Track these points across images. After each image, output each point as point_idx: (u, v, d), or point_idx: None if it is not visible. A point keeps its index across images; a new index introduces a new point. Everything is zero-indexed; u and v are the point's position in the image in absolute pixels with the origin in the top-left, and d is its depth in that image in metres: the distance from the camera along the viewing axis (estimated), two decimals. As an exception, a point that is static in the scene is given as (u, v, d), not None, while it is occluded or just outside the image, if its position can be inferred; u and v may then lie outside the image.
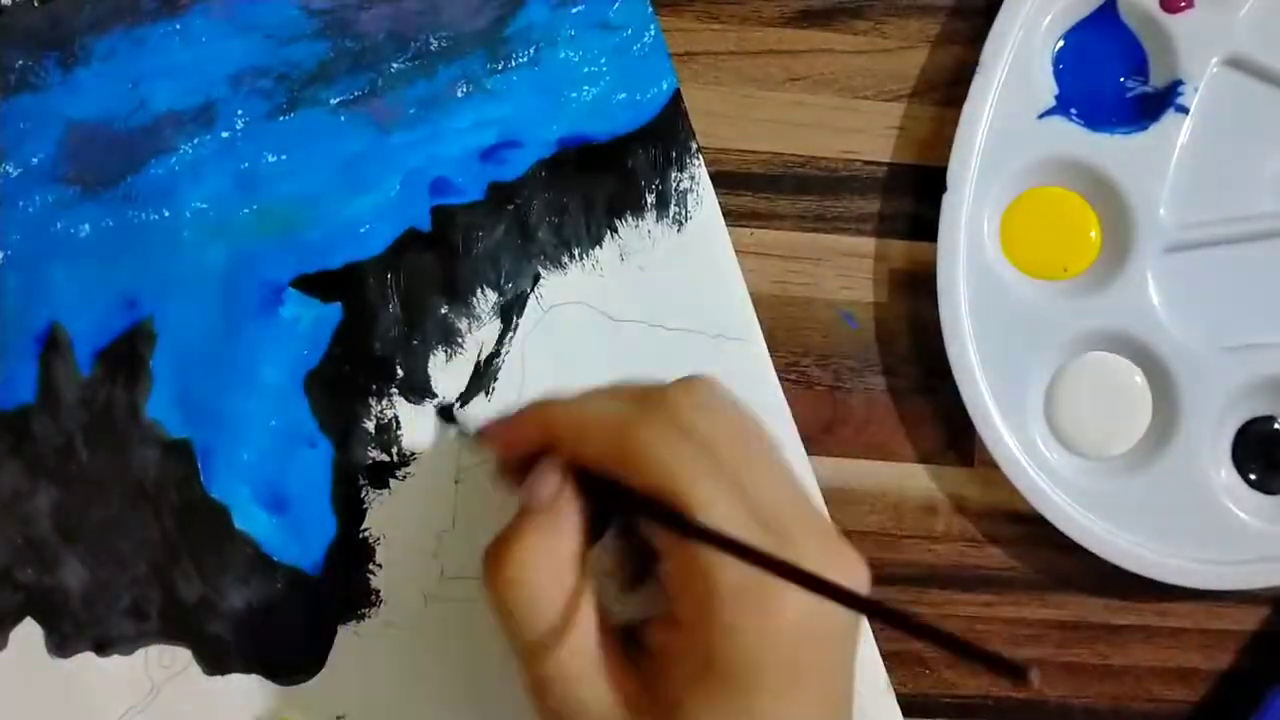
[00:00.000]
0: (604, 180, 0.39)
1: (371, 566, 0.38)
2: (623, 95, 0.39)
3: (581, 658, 0.29)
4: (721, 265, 0.39)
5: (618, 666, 0.29)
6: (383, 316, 0.38)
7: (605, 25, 0.39)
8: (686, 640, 0.28)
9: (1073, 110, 0.39)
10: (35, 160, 0.38)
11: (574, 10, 0.39)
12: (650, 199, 0.39)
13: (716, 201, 0.39)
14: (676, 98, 0.39)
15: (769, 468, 0.30)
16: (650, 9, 0.39)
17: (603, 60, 0.39)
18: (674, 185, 0.39)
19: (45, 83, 0.38)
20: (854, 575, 0.28)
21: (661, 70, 0.39)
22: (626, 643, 0.30)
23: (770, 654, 0.27)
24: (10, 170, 0.38)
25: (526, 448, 0.31)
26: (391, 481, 0.38)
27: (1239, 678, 0.40)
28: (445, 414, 0.38)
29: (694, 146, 0.39)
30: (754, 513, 0.28)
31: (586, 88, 0.39)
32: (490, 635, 0.38)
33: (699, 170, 0.39)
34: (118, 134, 0.38)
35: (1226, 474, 0.39)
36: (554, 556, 0.29)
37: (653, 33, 0.39)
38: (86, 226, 0.38)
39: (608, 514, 0.31)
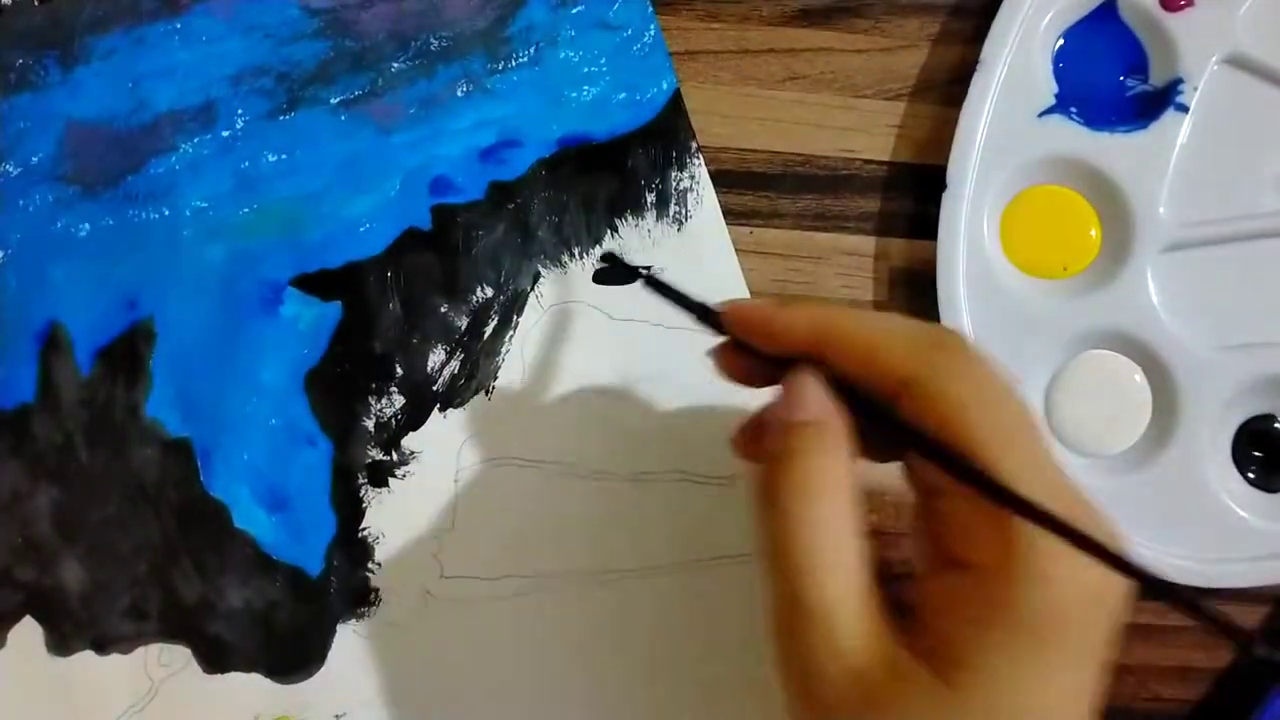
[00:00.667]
0: (604, 180, 0.39)
1: (371, 565, 0.38)
2: (623, 95, 0.39)
3: (853, 591, 0.26)
4: (722, 264, 0.39)
5: (882, 616, 0.26)
6: (383, 316, 0.38)
7: (605, 25, 0.39)
8: (982, 588, 0.25)
9: (1073, 109, 0.39)
10: (35, 159, 0.38)
11: (574, 10, 0.39)
12: (650, 198, 0.39)
13: (717, 201, 0.39)
14: (676, 97, 0.39)
15: (1044, 446, 0.27)
16: (650, 9, 0.39)
17: (603, 60, 0.39)
18: (674, 184, 0.39)
19: (45, 82, 0.38)
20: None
21: (661, 70, 0.39)
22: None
23: (1078, 611, 0.25)
24: (10, 169, 0.38)
25: (786, 346, 0.28)
26: (391, 481, 0.38)
27: (1239, 677, 0.40)
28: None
29: (694, 146, 0.39)
30: (1047, 480, 0.26)
31: (587, 87, 0.39)
32: (490, 633, 0.38)
33: (699, 169, 0.39)
34: (118, 133, 0.38)
35: (1226, 472, 0.39)
36: (838, 476, 0.27)
37: (653, 33, 0.39)
38: (86, 226, 0.38)
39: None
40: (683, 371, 0.39)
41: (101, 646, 0.38)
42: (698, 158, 0.39)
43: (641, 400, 0.39)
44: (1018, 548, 0.25)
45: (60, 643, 0.38)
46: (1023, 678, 0.25)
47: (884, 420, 0.27)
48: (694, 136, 0.39)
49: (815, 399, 0.28)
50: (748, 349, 0.29)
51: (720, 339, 0.30)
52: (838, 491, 0.27)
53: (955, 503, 0.27)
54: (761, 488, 0.27)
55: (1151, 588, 0.25)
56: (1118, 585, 0.26)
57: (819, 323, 0.28)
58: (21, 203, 0.38)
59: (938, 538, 0.27)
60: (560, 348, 0.39)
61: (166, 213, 0.38)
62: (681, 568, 0.39)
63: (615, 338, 0.39)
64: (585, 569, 0.38)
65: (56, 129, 0.38)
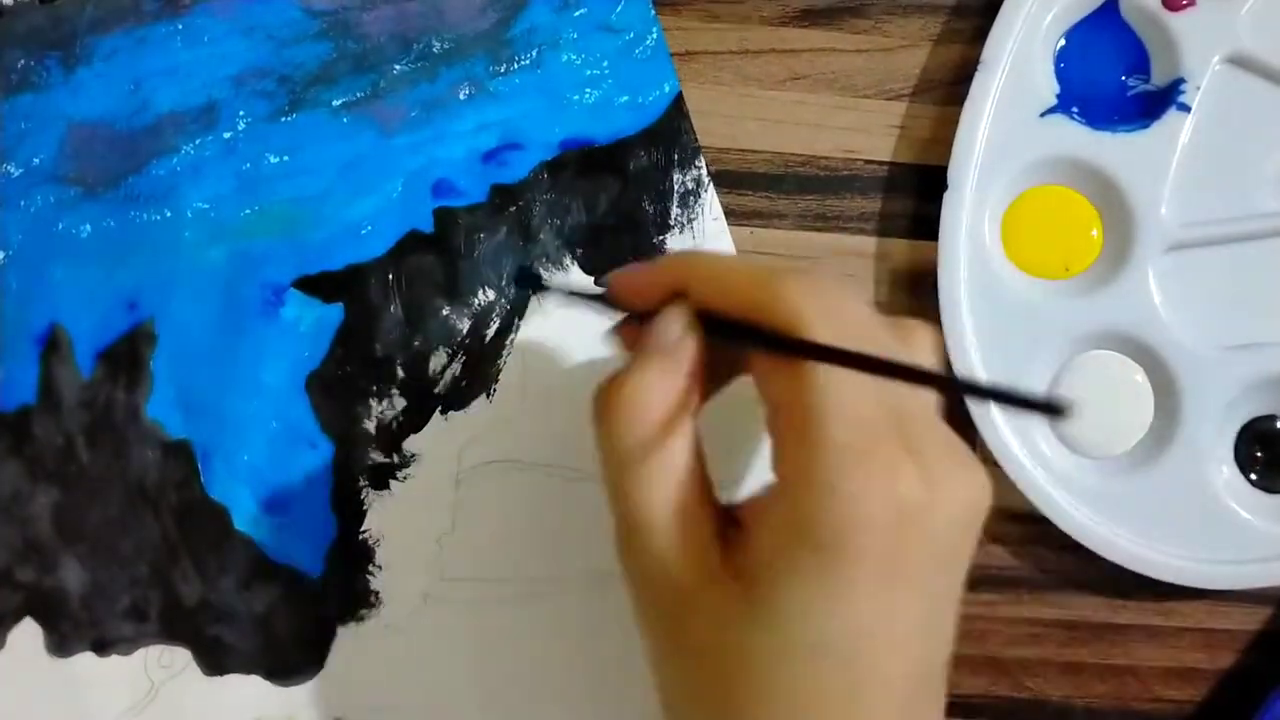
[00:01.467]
0: (606, 183, 0.39)
1: (371, 568, 0.38)
2: (625, 98, 0.39)
3: (679, 508, 0.27)
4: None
5: (705, 526, 0.27)
6: (384, 318, 0.38)
7: (607, 28, 0.39)
8: (783, 502, 0.26)
9: (1074, 109, 0.39)
10: (37, 160, 0.38)
11: (576, 13, 0.39)
12: (652, 201, 0.39)
13: (719, 204, 0.39)
14: (678, 100, 0.39)
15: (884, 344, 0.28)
16: (653, 12, 0.39)
17: (605, 63, 0.39)
18: (676, 188, 0.39)
19: (47, 83, 0.38)
20: (979, 486, 0.26)
21: (664, 73, 0.39)
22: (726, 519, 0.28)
23: (874, 527, 0.24)
24: (12, 170, 0.38)
25: (658, 295, 0.29)
26: (392, 483, 0.38)
27: (1241, 677, 0.40)
28: (528, 279, 0.38)
29: (696, 149, 0.39)
30: (880, 397, 0.26)
31: (589, 90, 0.39)
32: (491, 636, 0.38)
33: (701, 173, 0.39)
34: (119, 134, 0.38)
35: (1228, 473, 0.39)
36: (667, 396, 0.27)
37: (655, 36, 0.39)
38: (88, 227, 0.38)
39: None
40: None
41: (101, 648, 0.38)
42: (700, 161, 0.39)
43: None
44: (811, 458, 0.25)
45: (60, 644, 0.38)
46: (812, 596, 0.25)
47: (728, 327, 0.28)
48: (696, 140, 0.39)
49: (667, 328, 0.28)
50: (637, 315, 0.31)
51: (617, 318, 0.32)
52: (666, 410, 0.27)
53: (778, 419, 0.27)
54: (597, 406, 0.28)
55: (949, 387, 0.26)
56: (934, 507, 0.25)
57: (680, 268, 0.29)
58: (23, 204, 0.38)
59: (772, 454, 0.28)
60: (562, 350, 0.39)
61: (168, 214, 0.38)
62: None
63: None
64: (586, 572, 0.38)
65: (58, 130, 0.38)
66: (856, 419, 0.25)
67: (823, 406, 0.25)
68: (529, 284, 0.38)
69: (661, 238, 0.39)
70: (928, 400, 0.28)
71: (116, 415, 0.38)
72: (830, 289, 0.27)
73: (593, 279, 0.39)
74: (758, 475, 0.38)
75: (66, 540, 0.38)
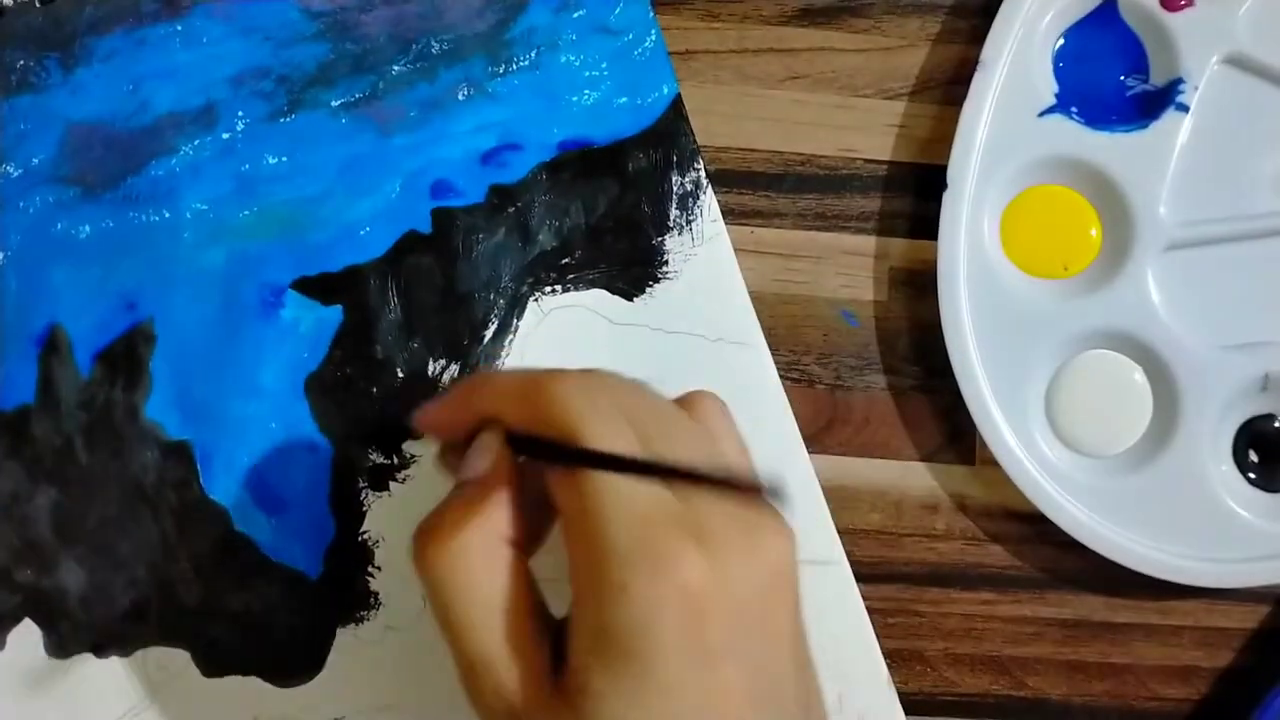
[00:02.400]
0: (605, 184, 0.39)
1: (371, 569, 0.38)
2: (624, 99, 0.39)
3: (508, 641, 0.27)
4: (723, 269, 0.39)
5: (540, 654, 0.27)
6: (383, 319, 0.38)
7: (606, 30, 0.39)
8: (583, 611, 0.26)
9: (1073, 108, 0.39)
10: (36, 161, 0.38)
11: (575, 14, 0.39)
12: (650, 200, 0.39)
13: (717, 205, 0.39)
14: (677, 102, 0.39)
15: (686, 436, 0.28)
16: (651, 14, 0.40)
17: (604, 64, 0.39)
18: (675, 189, 0.39)
19: (46, 83, 0.38)
20: (777, 537, 0.27)
21: (662, 75, 0.39)
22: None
23: (669, 619, 0.25)
24: (11, 171, 0.38)
25: (465, 423, 0.30)
26: (391, 484, 0.38)
27: (1240, 676, 0.40)
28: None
29: (695, 151, 0.39)
30: (663, 449, 0.27)
31: (587, 91, 0.39)
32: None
33: (700, 175, 0.39)
34: (118, 135, 0.38)
35: (1227, 472, 0.39)
36: (484, 532, 0.28)
37: (654, 37, 0.39)
38: (87, 227, 0.38)
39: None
40: (682, 377, 0.39)
41: (100, 649, 0.38)
42: (699, 163, 0.39)
43: (641, 404, 0.39)
44: (599, 562, 0.25)
45: (59, 645, 0.37)
46: (628, 694, 0.25)
47: (525, 444, 0.29)
48: (695, 141, 0.39)
49: (477, 458, 0.29)
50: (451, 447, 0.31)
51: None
52: (483, 546, 0.28)
53: (567, 528, 0.27)
54: (417, 549, 0.28)
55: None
56: (722, 581, 0.25)
57: (467, 392, 0.30)
58: (21, 204, 0.38)
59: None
60: (560, 352, 0.39)
61: (167, 215, 0.38)
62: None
63: (615, 342, 0.39)
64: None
65: (57, 130, 0.38)
66: (634, 518, 0.25)
67: (601, 512, 0.26)
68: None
69: (660, 239, 0.39)
70: (710, 458, 0.28)
71: (115, 416, 0.38)
72: (596, 383, 0.28)
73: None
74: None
75: (65, 541, 0.38)
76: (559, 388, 0.27)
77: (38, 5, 0.38)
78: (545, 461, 0.28)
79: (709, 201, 0.39)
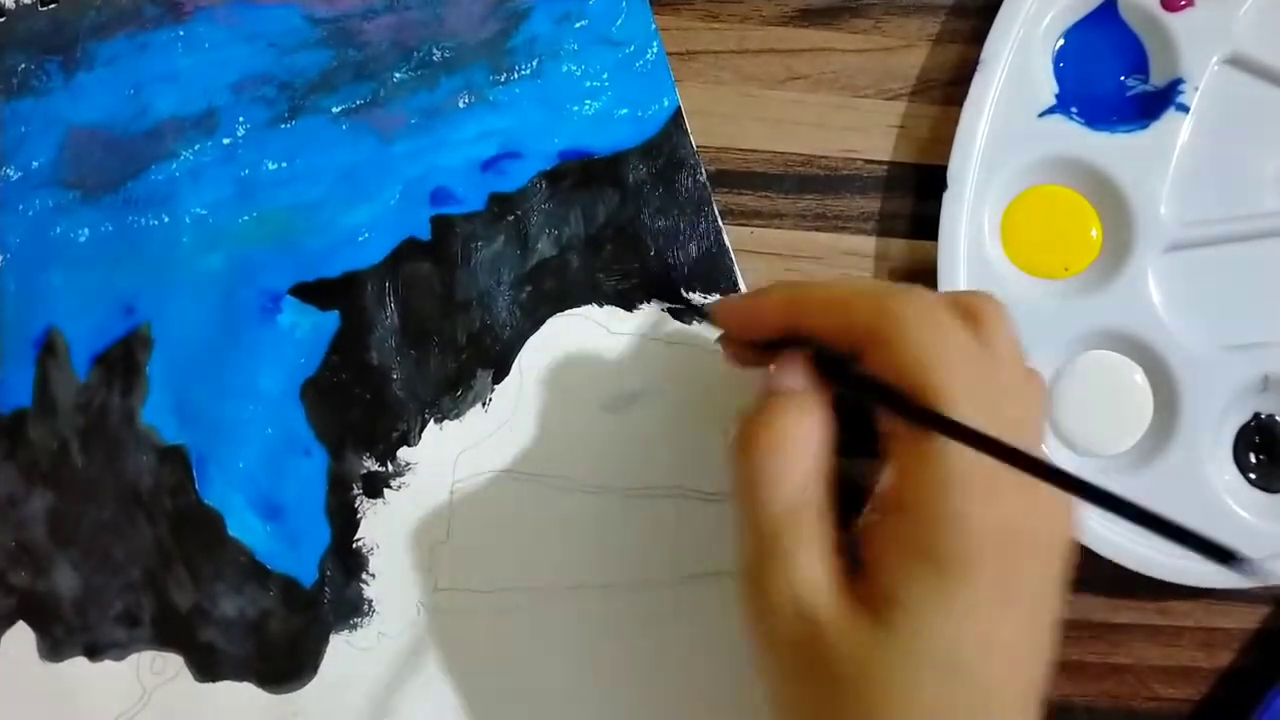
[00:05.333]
0: (604, 194, 0.39)
1: (365, 576, 0.38)
2: (624, 110, 0.39)
3: (810, 541, 0.28)
4: (724, 277, 0.39)
5: (840, 560, 0.28)
6: (380, 326, 0.38)
7: (608, 41, 0.39)
8: (907, 525, 0.27)
9: (1073, 109, 0.39)
10: (36, 164, 0.38)
11: (577, 25, 0.39)
12: (650, 212, 0.39)
13: (719, 215, 0.39)
14: (678, 115, 0.39)
15: (1015, 394, 0.29)
16: (653, 26, 0.39)
17: (605, 75, 0.39)
18: (675, 201, 0.39)
19: (47, 87, 0.38)
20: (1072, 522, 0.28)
21: (664, 87, 0.39)
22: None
23: (991, 548, 0.26)
24: (10, 174, 0.38)
25: (766, 330, 0.31)
26: (386, 491, 0.38)
27: (1240, 676, 0.40)
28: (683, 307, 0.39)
29: (696, 163, 0.39)
30: (998, 427, 0.27)
31: (588, 101, 0.39)
32: (484, 646, 0.38)
33: (701, 187, 0.39)
34: (119, 139, 0.38)
35: (1227, 473, 0.39)
36: (810, 437, 0.29)
37: (655, 50, 0.39)
38: (86, 231, 0.38)
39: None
40: (681, 385, 0.39)
41: (94, 653, 0.38)
42: (700, 175, 0.39)
43: (639, 414, 0.39)
44: (936, 488, 0.27)
45: (53, 648, 0.38)
46: (941, 617, 0.26)
47: (851, 377, 0.29)
48: (695, 154, 0.39)
49: (795, 371, 0.30)
50: (743, 343, 0.32)
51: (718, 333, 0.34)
52: (804, 450, 0.29)
53: (901, 450, 0.28)
54: (738, 441, 0.29)
55: (1094, 499, 0.26)
56: (1045, 528, 0.27)
57: (790, 299, 0.31)
58: (21, 207, 0.38)
59: (890, 478, 0.29)
60: (558, 361, 0.39)
61: (166, 219, 0.38)
62: (679, 583, 0.38)
63: (614, 351, 0.39)
64: (581, 583, 0.38)
65: (57, 134, 0.38)
66: (972, 452, 0.26)
67: (941, 441, 0.27)
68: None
69: (659, 251, 0.39)
70: (1027, 422, 0.29)
71: (112, 420, 0.38)
72: (964, 324, 0.29)
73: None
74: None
75: (60, 544, 0.38)
76: (906, 313, 0.28)
77: (40, 8, 0.38)
78: (878, 403, 0.29)
79: (710, 214, 0.39)
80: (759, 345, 0.32)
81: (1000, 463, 0.26)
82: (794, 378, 0.30)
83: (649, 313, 0.39)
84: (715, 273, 0.39)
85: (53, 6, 0.39)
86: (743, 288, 0.39)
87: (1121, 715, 0.40)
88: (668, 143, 0.39)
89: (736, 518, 0.30)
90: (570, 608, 0.38)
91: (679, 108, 0.39)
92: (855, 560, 0.29)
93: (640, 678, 0.38)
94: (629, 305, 0.39)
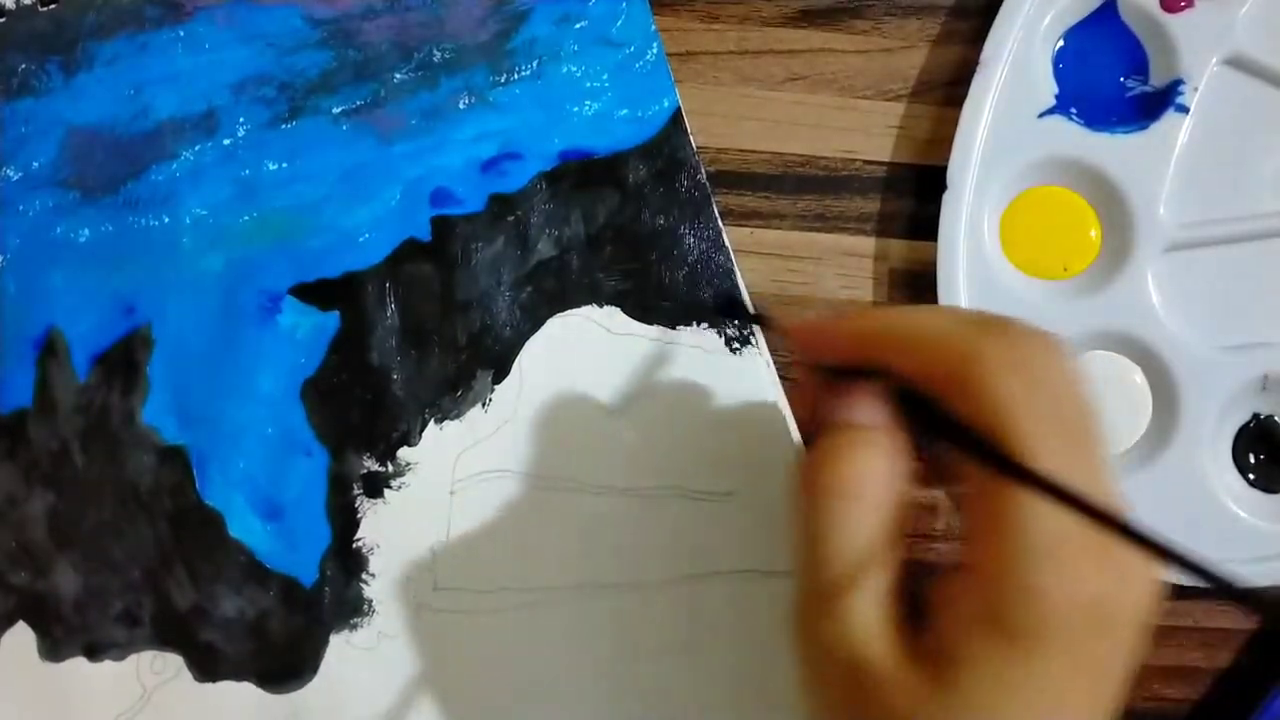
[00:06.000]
0: (604, 195, 0.39)
1: (365, 576, 0.38)
2: (624, 111, 0.39)
3: (871, 589, 0.27)
4: (723, 278, 0.39)
5: (898, 611, 0.28)
6: (380, 326, 0.39)
7: (608, 42, 0.39)
8: (978, 589, 0.26)
9: (1073, 110, 0.39)
10: (36, 164, 0.38)
11: (577, 26, 0.39)
12: (650, 212, 0.39)
13: (719, 216, 0.39)
14: (678, 115, 0.39)
15: (1099, 454, 0.28)
16: (653, 27, 0.40)
17: (605, 76, 0.39)
18: (675, 202, 0.39)
19: (47, 87, 0.38)
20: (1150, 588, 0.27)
21: (664, 87, 0.39)
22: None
23: (1065, 623, 0.25)
24: (10, 174, 0.38)
25: (838, 356, 0.30)
26: (386, 491, 0.38)
27: (1239, 676, 0.40)
28: (729, 306, 0.38)
29: (697, 164, 0.39)
30: (1084, 482, 0.26)
31: (588, 102, 0.39)
32: (484, 646, 0.38)
33: (701, 188, 0.39)
34: (119, 139, 0.38)
35: (1227, 473, 0.39)
36: (881, 481, 0.28)
37: (655, 50, 0.39)
38: (86, 231, 0.38)
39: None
40: (681, 386, 0.39)
41: (94, 653, 0.38)
42: (700, 175, 0.39)
43: (640, 415, 0.39)
44: (1014, 554, 0.25)
45: (52, 648, 0.38)
46: (1004, 683, 0.25)
47: (932, 420, 0.28)
48: (696, 154, 0.39)
49: (870, 406, 0.28)
50: (816, 365, 0.31)
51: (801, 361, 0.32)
52: (873, 494, 0.28)
53: (975, 508, 0.27)
54: (805, 476, 0.28)
55: (1177, 562, 0.24)
56: (1122, 601, 0.26)
57: (872, 323, 0.29)
58: (21, 208, 0.38)
59: (961, 540, 0.28)
60: (559, 361, 0.39)
61: (166, 220, 0.38)
62: (678, 583, 0.39)
63: (614, 351, 0.39)
64: (581, 583, 0.39)
65: (57, 134, 0.38)
66: (1059, 517, 0.25)
67: (1026, 504, 0.26)
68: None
69: (658, 253, 0.39)
70: (1113, 481, 0.28)
71: (112, 420, 0.38)
72: (1047, 368, 0.27)
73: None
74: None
75: (60, 544, 0.38)
76: (993, 363, 0.26)
77: (40, 9, 0.39)
78: (963, 450, 0.27)
79: (710, 214, 0.39)
80: (831, 371, 0.30)
81: (1084, 525, 0.25)
82: (870, 412, 0.28)
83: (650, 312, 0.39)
84: (715, 273, 0.39)
85: (53, 7, 0.39)
86: (742, 288, 0.39)
87: (1121, 715, 0.40)
88: (667, 143, 0.39)
89: (797, 553, 0.28)
90: (570, 608, 0.38)
91: (679, 108, 0.39)
92: (917, 609, 0.28)
93: (641, 678, 0.38)
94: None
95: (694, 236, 0.39)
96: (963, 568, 0.27)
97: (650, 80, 0.39)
